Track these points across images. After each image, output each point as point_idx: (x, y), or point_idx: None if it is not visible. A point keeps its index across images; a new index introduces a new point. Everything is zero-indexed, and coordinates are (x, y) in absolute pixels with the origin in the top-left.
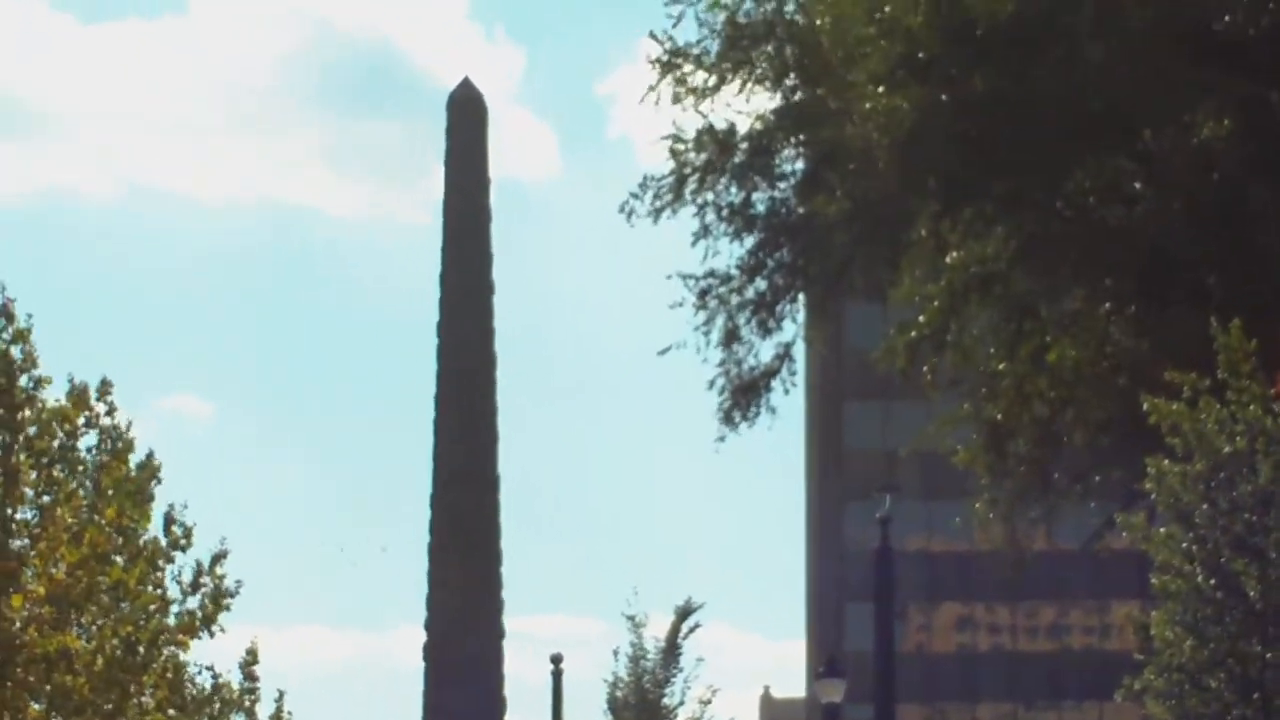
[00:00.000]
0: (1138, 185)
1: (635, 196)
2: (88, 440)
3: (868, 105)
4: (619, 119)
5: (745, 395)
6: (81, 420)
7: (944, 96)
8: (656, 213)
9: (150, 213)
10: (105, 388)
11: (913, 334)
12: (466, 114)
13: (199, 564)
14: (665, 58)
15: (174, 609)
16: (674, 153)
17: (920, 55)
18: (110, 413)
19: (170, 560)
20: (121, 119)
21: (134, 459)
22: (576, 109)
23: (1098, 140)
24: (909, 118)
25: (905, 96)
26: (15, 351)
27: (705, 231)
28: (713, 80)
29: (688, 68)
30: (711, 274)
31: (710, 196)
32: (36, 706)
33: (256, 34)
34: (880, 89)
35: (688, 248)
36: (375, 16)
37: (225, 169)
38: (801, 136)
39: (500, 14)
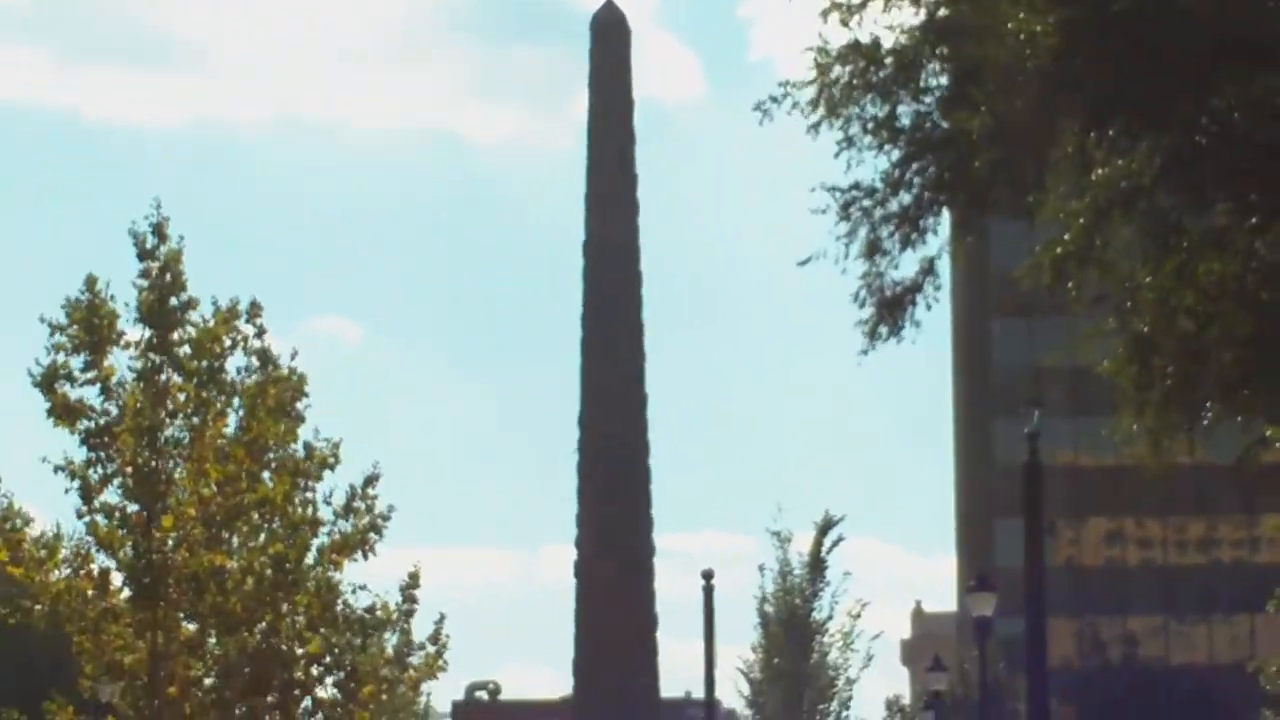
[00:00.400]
0: None
1: (774, 100)
2: (237, 360)
3: (1009, 25)
4: (760, 41)
5: (889, 309)
6: (229, 341)
7: (1085, 11)
8: (814, 128)
9: (299, 140)
10: (255, 310)
11: (1058, 250)
12: (610, 35)
13: (352, 488)
14: None
15: (325, 529)
16: (820, 66)
17: None
18: (260, 334)
19: (319, 478)
20: (269, 48)
21: (287, 374)
22: (718, 31)
23: (1244, 56)
24: (1053, 35)
25: (1048, 13)
26: (167, 274)
27: (849, 143)
28: None
29: None
30: (856, 186)
31: (855, 111)
32: (190, 626)
33: None
34: (1020, 7)
35: (829, 162)
36: None
37: (372, 97)
38: (945, 51)
39: None
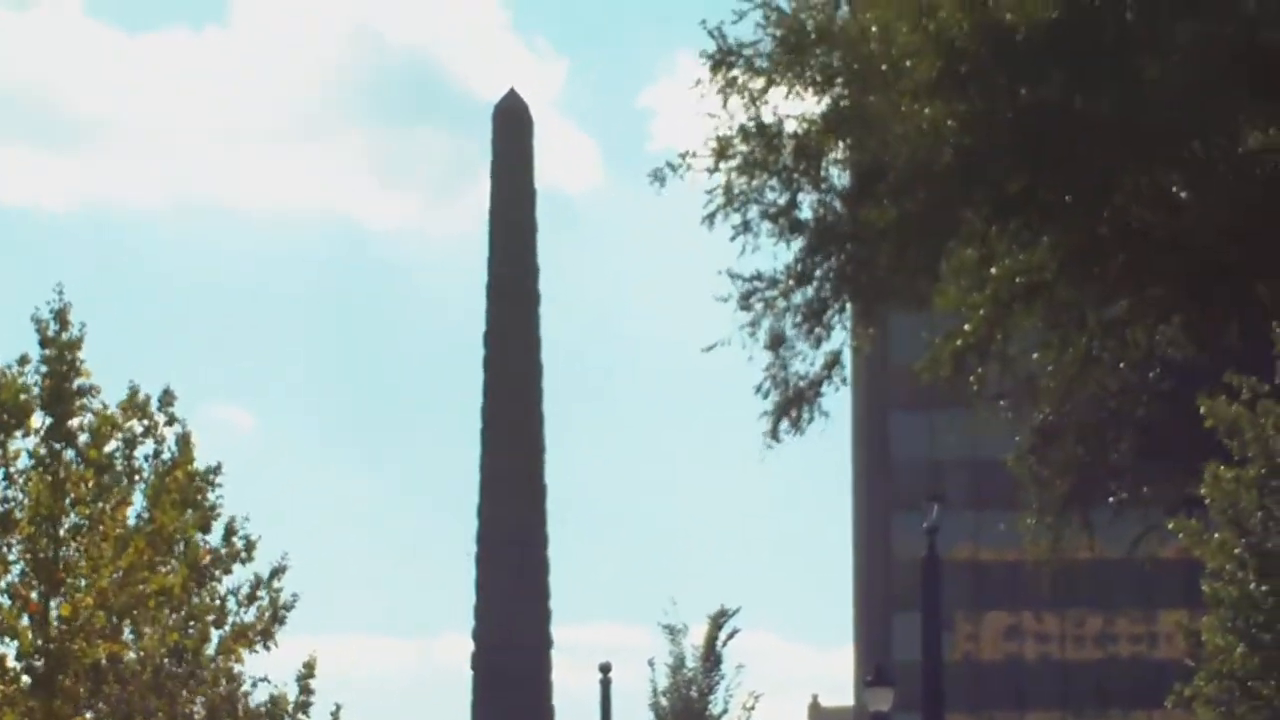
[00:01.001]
0: (1183, 195)
1: (671, 168)
2: (145, 449)
3: (912, 119)
4: (661, 131)
5: (794, 405)
6: (141, 429)
7: (988, 108)
8: (709, 219)
9: (193, 223)
10: (168, 398)
11: (958, 343)
12: (512, 124)
13: (257, 577)
14: (717, 55)
15: (230, 619)
16: (720, 142)
17: (963, 69)
18: (170, 422)
19: (228, 571)
20: (166, 130)
21: (196, 466)
22: (619, 120)
23: (1144, 151)
24: (954, 130)
25: (949, 109)
26: (67, 360)
27: (746, 228)
28: (761, 83)
29: (737, 71)
30: (758, 276)
31: (754, 196)
32: (88, 716)
33: (299, 45)
34: (923, 103)
35: (728, 250)
36: (418, 26)
37: (270, 180)
38: (848, 142)
39: (542, 25)
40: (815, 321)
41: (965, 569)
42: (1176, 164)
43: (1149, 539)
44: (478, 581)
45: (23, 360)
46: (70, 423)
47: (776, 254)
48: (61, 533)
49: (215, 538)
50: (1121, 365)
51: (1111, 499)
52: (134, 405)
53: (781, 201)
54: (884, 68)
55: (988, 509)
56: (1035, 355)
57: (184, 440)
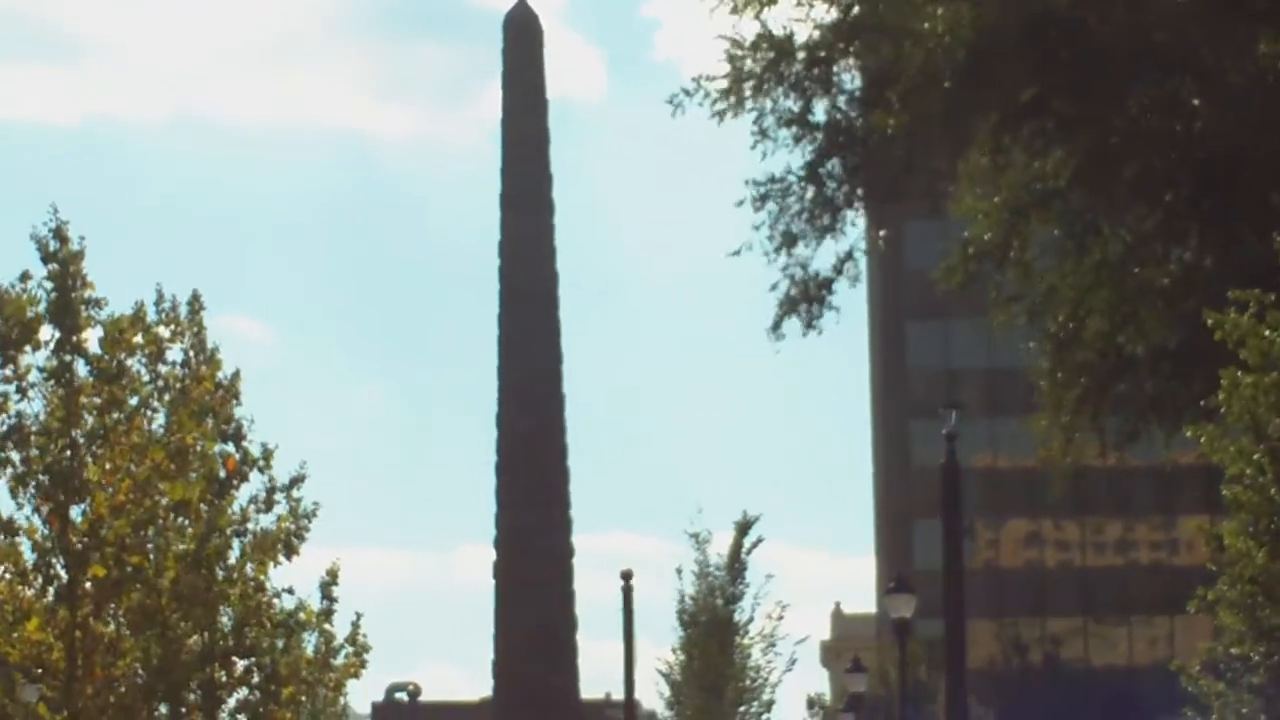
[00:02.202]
0: (1195, 103)
1: (687, 94)
2: (174, 355)
3: (926, 25)
4: (665, 42)
5: (804, 301)
6: (168, 334)
7: (1001, 15)
8: (719, 115)
9: (198, 140)
10: (196, 303)
11: (971, 250)
12: (523, 34)
13: (273, 480)
14: None
15: (250, 528)
16: (731, 57)
17: None
18: (199, 330)
19: (245, 479)
20: (168, 46)
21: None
22: (623, 31)
23: (1156, 59)
24: (967, 37)
25: (962, 15)
26: (71, 274)
27: (764, 135)
28: None
29: None
30: (772, 179)
31: (768, 103)
32: (109, 626)
33: None
34: (936, 8)
35: (738, 159)
36: None
37: (273, 95)
38: (858, 48)
39: None
40: (827, 220)
41: (984, 477)
42: (1188, 73)
43: (1168, 445)
44: (498, 491)
45: (24, 277)
46: (80, 334)
47: (790, 160)
48: (75, 443)
49: (234, 447)
50: (1137, 271)
51: (1127, 408)
52: (159, 311)
53: (795, 109)
54: None
55: (1004, 416)
56: (1051, 263)
57: (205, 348)
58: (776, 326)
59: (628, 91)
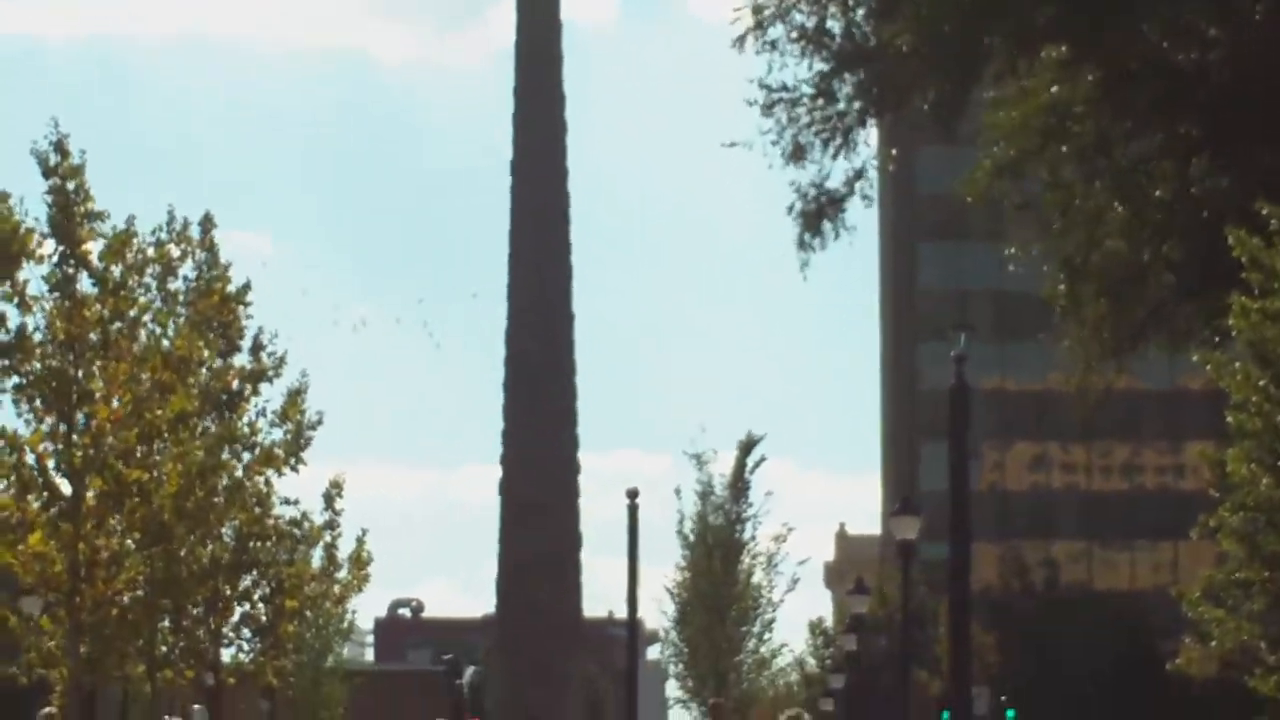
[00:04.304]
0: (1212, 30)
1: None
2: (186, 270)
3: None
4: None
5: (817, 217)
6: (178, 253)
7: None
8: (740, 41)
9: (200, 58)
10: (208, 223)
11: (988, 163)
12: None
13: (290, 391)
14: None
15: (260, 439)
16: None
17: None
18: (210, 248)
19: (256, 392)
20: None
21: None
22: None
23: None
24: None
25: None
26: (70, 186)
27: (773, 46)
28: None
29: None
30: (783, 87)
31: (782, 17)
32: (113, 540)
33: None
34: None
35: (750, 86)
36: None
37: (274, 13)
38: None
39: None
40: (839, 136)
41: (992, 399)
42: (1205, 1)
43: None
44: (505, 409)
45: (3, 197)
46: (83, 247)
47: (798, 74)
48: (77, 354)
49: (243, 358)
50: (1158, 194)
51: (1139, 328)
52: (170, 231)
53: (809, 24)
54: None
55: (1014, 340)
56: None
57: (216, 262)
58: (802, 244)
59: (636, 17)
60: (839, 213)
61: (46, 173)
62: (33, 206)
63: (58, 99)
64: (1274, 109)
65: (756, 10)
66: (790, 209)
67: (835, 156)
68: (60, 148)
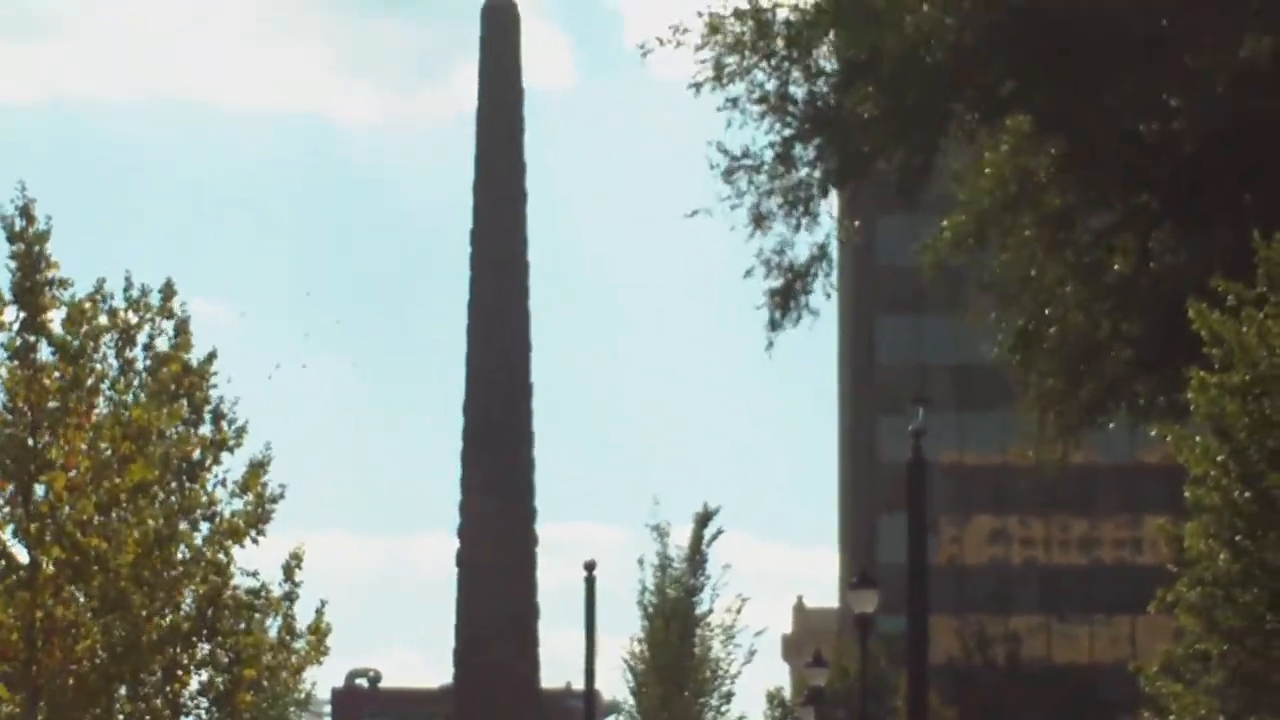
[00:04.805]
0: (1174, 103)
1: (660, 41)
2: (154, 340)
3: (908, 16)
4: (633, 31)
5: (788, 296)
6: (135, 319)
7: (984, 8)
8: (696, 87)
9: (161, 120)
10: (169, 290)
11: (948, 235)
12: (501, 23)
13: (252, 462)
14: None
15: (221, 509)
16: (712, 22)
17: None
18: (169, 316)
19: (218, 461)
20: (132, 24)
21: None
22: (590, 19)
23: (1137, 57)
24: (950, 29)
25: (945, 7)
26: (36, 254)
27: (733, 104)
28: None
29: None
30: (745, 153)
31: (744, 79)
32: (73, 609)
33: None
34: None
35: (708, 150)
36: None
37: (238, 74)
38: (839, 34)
39: None
40: (800, 206)
41: (950, 473)
42: (1169, 71)
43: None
44: (463, 478)
45: None
46: (44, 315)
47: (756, 137)
48: (36, 423)
49: (206, 428)
50: (1118, 267)
51: (1097, 403)
52: (128, 297)
53: (770, 87)
54: None
55: (973, 413)
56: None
57: (186, 331)
58: (773, 325)
59: (595, 80)
60: (806, 293)
61: (11, 238)
62: None
63: (20, 161)
64: (1235, 183)
65: (717, 66)
66: (749, 273)
67: (797, 229)
68: (26, 212)
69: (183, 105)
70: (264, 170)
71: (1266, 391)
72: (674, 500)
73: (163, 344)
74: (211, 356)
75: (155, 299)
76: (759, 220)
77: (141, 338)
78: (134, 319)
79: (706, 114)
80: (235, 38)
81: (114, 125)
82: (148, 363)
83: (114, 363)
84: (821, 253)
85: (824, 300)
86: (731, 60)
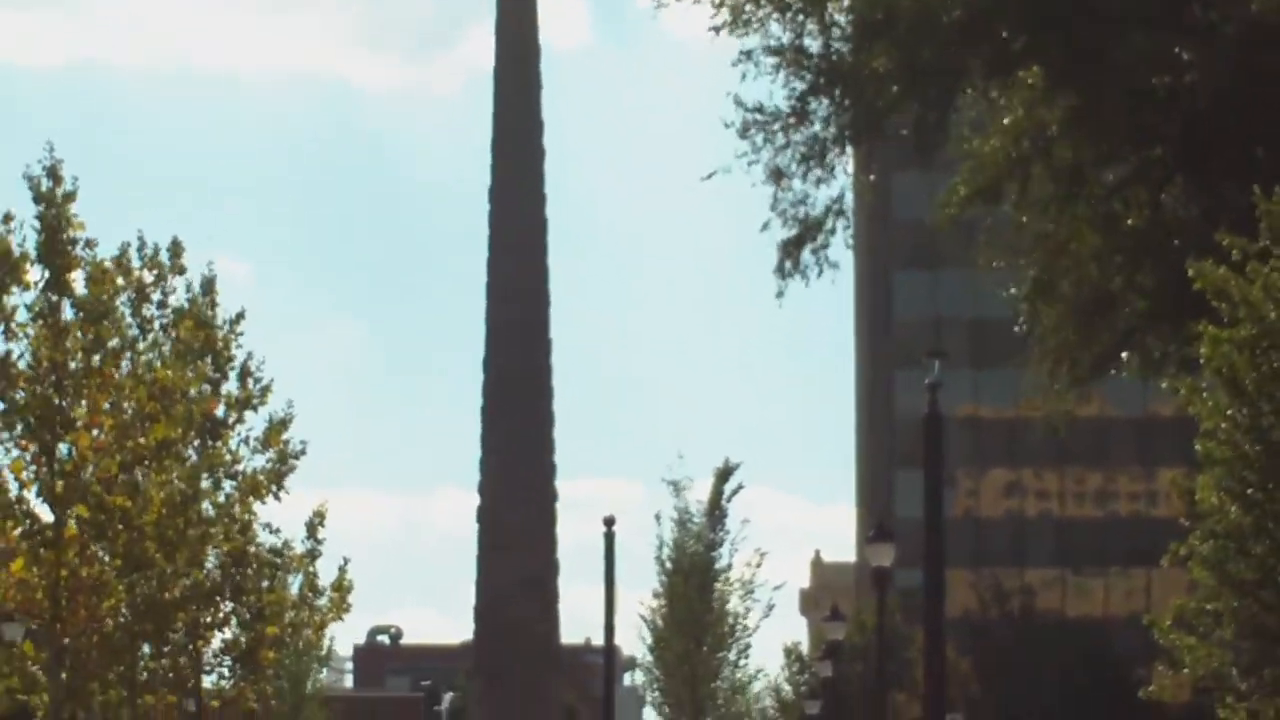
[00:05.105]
0: (1185, 57)
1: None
2: (168, 297)
3: None
4: None
5: (799, 245)
6: (150, 278)
7: None
8: (716, 30)
9: (182, 85)
10: (176, 248)
11: (964, 191)
12: None
13: (273, 420)
14: None
15: (243, 466)
16: None
17: None
18: (181, 272)
19: (241, 420)
20: None
21: (215, 313)
22: None
23: (1148, 12)
24: None
25: None
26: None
27: (748, 57)
28: None
29: None
30: (759, 108)
31: (761, 29)
32: (96, 567)
33: None
34: None
35: (723, 109)
36: None
37: (260, 41)
38: None
39: None
40: (816, 161)
41: (966, 426)
42: (1179, 26)
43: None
44: (483, 435)
45: (6, 218)
46: (69, 275)
47: (773, 92)
48: (61, 382)
49: (232, 385)
50: (1131, 221)
51: (1110, 355)
52: (143, 256)
53: (785, 39)
54: None
55: (989, 368)
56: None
57: (209, 286)
58: (782, 271)
59: (613, 38)
60: (823, 245)
61: (38, 198)
62: (18, 231)
63: (40, 123)
64: (1245, 137)
65: (734, 11)
66: (765, 226)
67: (815, 183)
68: (53, 173)
69: (204, 71)
70: (285, 135)
71: (1275, 345)
72: (693, 456)
73: (174, 301)
74: (240, 316)
75: (165, 257)
76: (777, 176)
77: (156, 295)
78: (149, 278)
79: (722, 72)
80: (254, 5)
81: (137, 90)
82: (164, 321)
83: (131, 321)
84: (838, 206)
85: (843, 253)
86: (749, 8)
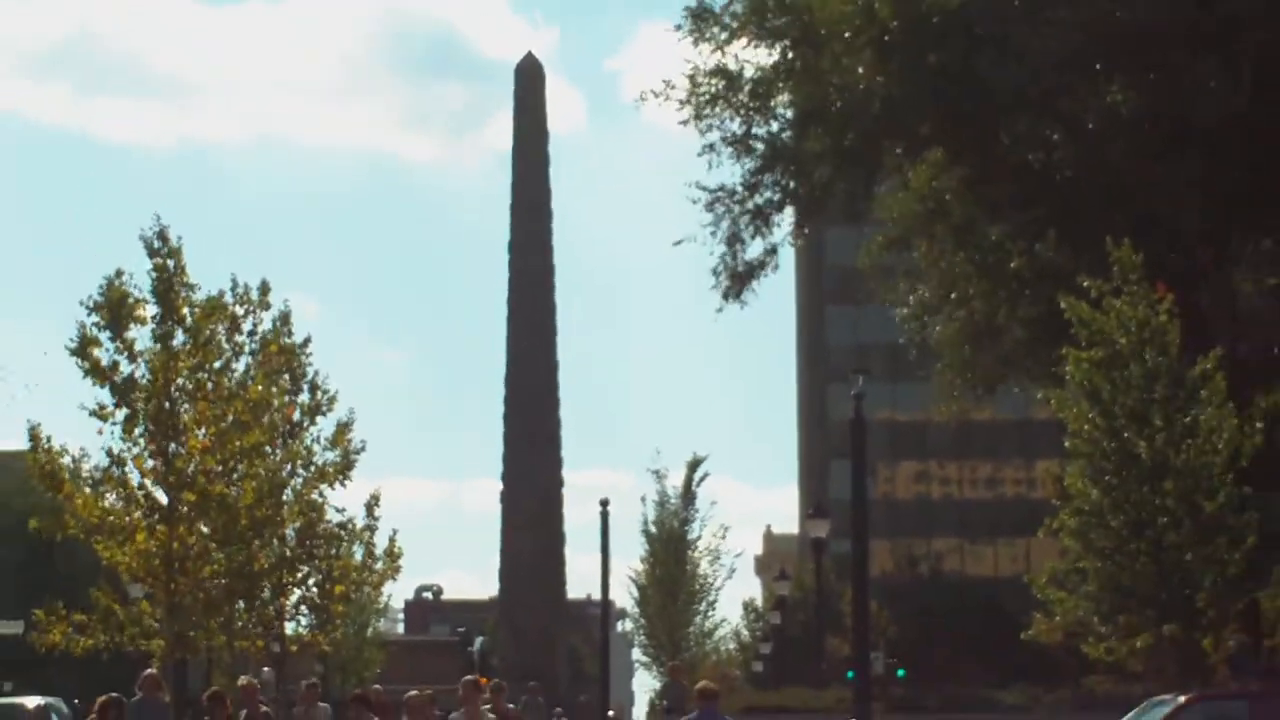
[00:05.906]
0: (1055, 137)
1: (654, 94)
2: (247, 326)
3: (847, 74)
4: (633, 85)
5: (740, 280)
6: (241, 311)
7: (908, 68)
8: (684, 123)
9: (265, 157)
10: (265, 287)
11: (881, 241)
12: (531, 79)
13: (340, 423)
14: (696, 9)
15: (316, 460)
16: (691, 78)
17: (885, 38)
18: (266, 307)
19: (314, 422)
20: (240, 82)
21: (291, 340)
22: (599, 77)
23: (1026, 105)
24: (881, 84)
25: (877, 68)
26: (170, 265)
27: (711, 149)
28: (726, 35)
29: (709, 26)
30: (720, 188)
31: (717, 122)
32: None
33: (342, 17)
34: (856, 61)
35: (691, 175)
36: (437, 2)
37: (329, 121)
38: (794, 87)
39: (536, 2)
40: (762, 222)
41: (884, 427)
42: (1053, 114)
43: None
44: (505, 436)
45: (118, 273)
46: (180, 310)
47: (732, 174)
48: (174, 394)
49: (304, 396)
50: (1013, 265)
51: (998, 372)
52: (235, 294)
53: (738, 130)
54: (823, 32)
55: (903, 382)
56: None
57: (285, 318)
58: (725, 294)
59: (603, 126)
60: (759, 278)
61: (151, 254)
62: (136, 280)
63: (147, 188)
64: (1102, 198)
65: (697, 110)
66: (714, 271)
67: (757, 237)
68: (162, 235)
69: (283, 146)
70: (345, 197)
71: (1125, 364)
72: (670, 451)
73: (260, 330)
74: (308, 340)
75: (254, 295)
76: (732, 240)
77: (246, 325)
78: (240, 311)
79: (692, 152)
80: (321, 92)
81: (232, 162)
82: (253, 346)
83: (226, 346)
84: (773, 251)
85: (781, 288)
86: (707, 109)
